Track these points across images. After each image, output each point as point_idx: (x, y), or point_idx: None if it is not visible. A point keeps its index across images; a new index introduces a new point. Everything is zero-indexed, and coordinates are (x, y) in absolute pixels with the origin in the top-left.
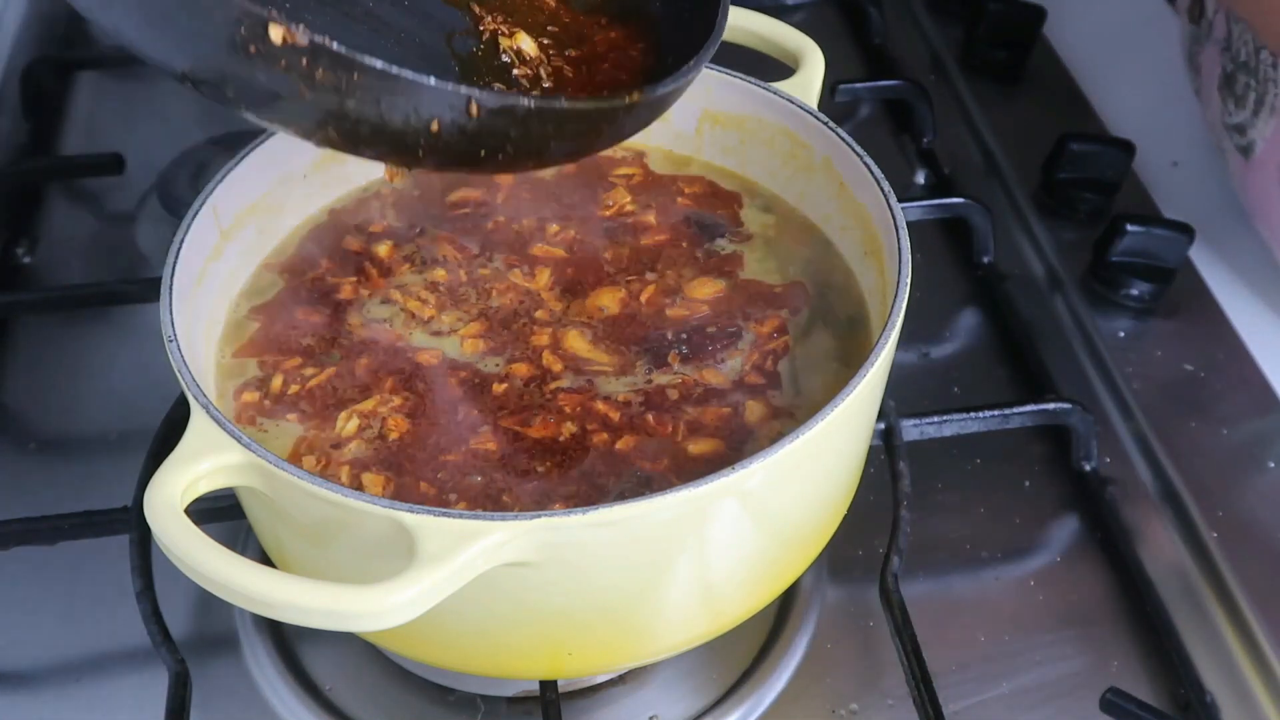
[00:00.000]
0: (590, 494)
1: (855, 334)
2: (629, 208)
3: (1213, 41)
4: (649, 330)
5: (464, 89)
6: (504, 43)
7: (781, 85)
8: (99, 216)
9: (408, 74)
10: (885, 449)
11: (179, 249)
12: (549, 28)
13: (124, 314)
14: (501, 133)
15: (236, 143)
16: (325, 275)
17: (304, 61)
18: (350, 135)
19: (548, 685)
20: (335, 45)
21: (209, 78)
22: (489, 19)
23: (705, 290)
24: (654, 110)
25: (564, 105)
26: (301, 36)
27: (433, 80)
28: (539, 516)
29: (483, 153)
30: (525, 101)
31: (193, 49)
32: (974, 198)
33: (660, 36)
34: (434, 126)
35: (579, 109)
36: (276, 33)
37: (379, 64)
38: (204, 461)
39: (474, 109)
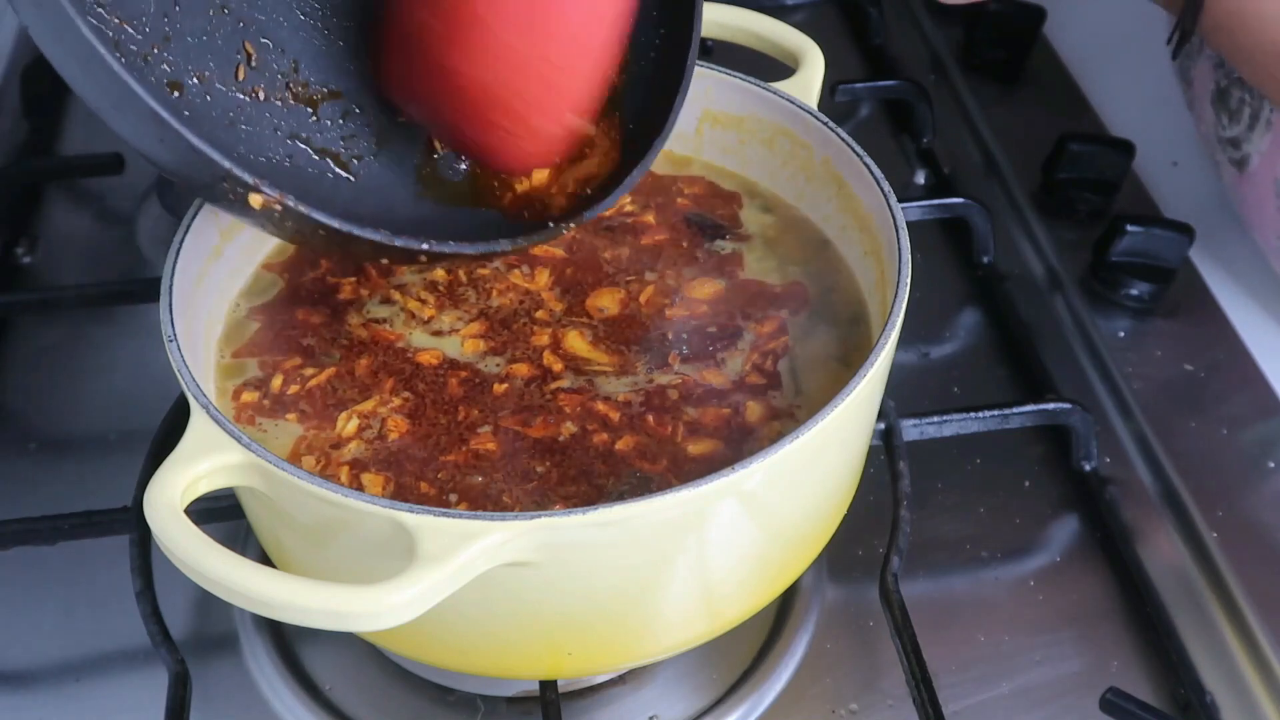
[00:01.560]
0: (590, 494)
1: (855, 334)
2: (629, 208)
3: (1205, 57)
4: (649, 330)
5: (418, 244)
6: None
7: (781, 85)
8: (99, 216)
9: (369, 233)
10: (885, 449)
11: (179, 249)
12: None
13: (124, 314)
14: (455, 259)
15: None
16: (325, 275)
17: (276, 215)
18: (318, 250)
19: (548, 685)
20: (306, 209)
21: (192, 191)
22: None
23: (705, 290)
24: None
25: (505, 248)
26: (275, 203)
27: (395, 240)
28: (539, 516)
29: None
30: (468, 250)
31: (183, 174)
32: (974, 198)
33: (625, 108)
34: (386, 260)
35: (521, 248)
36: (256, 200)
37: (340, 225)
38: (204, 461)
39: (423, 258)
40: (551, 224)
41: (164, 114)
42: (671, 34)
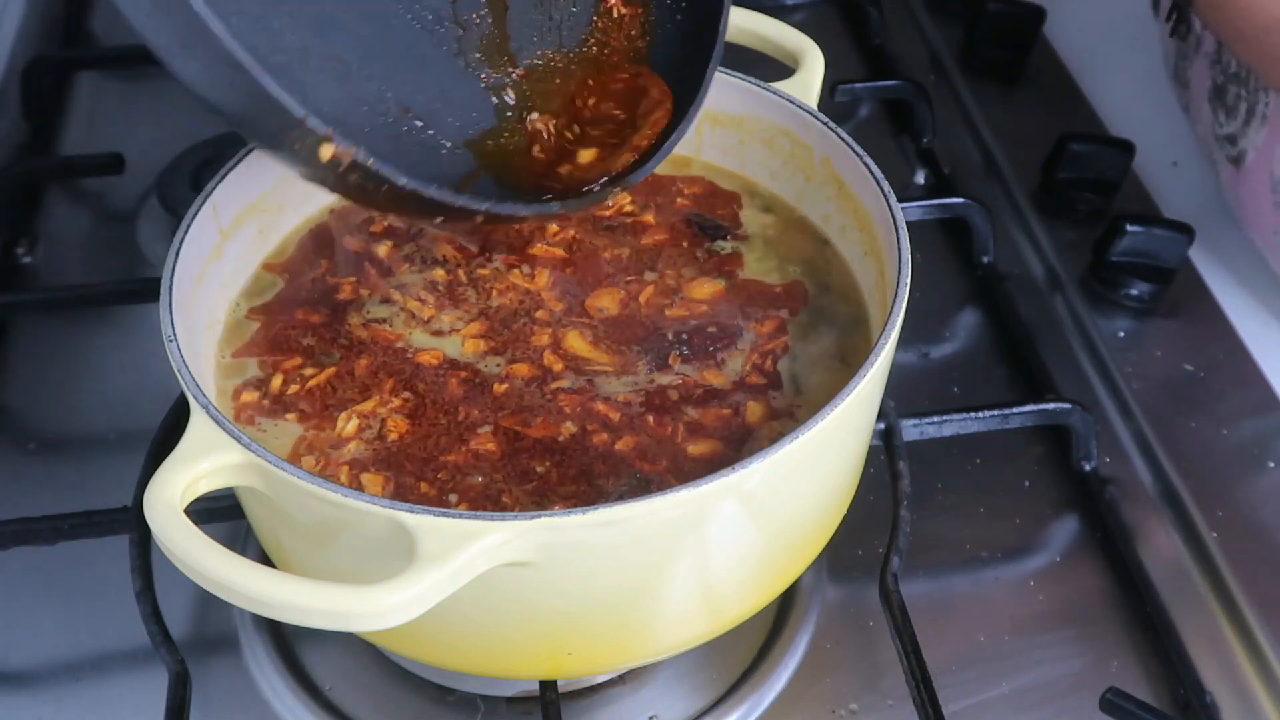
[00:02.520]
0: (590, 494)
1: (855, 334)
2: (629, 208)
3: (1201, 55)
4: (649, 330)
5: (479, 205)
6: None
7: (781, 85)
8: (99, 216)
9: (434, 192)
10: (885, 449)
11: (179, 249)
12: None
13: (124, 314)
14: (506, 219)
15: (236, 142)
16: (325, 275)
17: (341, 168)
18: (369, 205)
19: (548, 685)
20: (376, 165)
21: (252, 138)
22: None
23: (705, 290)
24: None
25: (556, 209)
26: (345, 155)
27: (457, 200)
28: (539, 517)
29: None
30: (524, 211)
31: (248, 121)
32: (974, 198)
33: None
34: (439, 219)
35: (571, 209)
36: (326, 152)
37: (408, 182)
38: (204, 461)
39: (479, 219)
40: (599, 187)
41: (241, 57)
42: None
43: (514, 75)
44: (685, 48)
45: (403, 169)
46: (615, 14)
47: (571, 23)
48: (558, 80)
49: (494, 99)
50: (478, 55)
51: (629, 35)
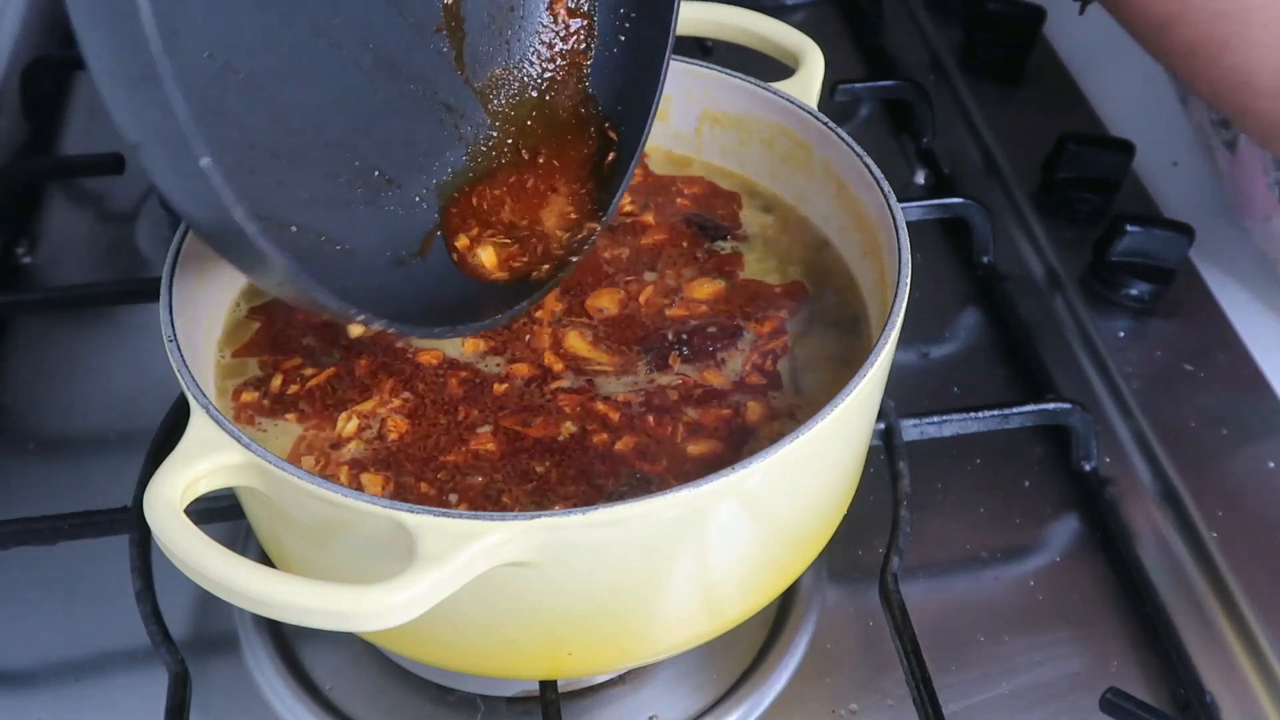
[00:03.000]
0: (590, 494)
1: (855, 334)
2: (629, 208)
3: None
4: (649, 330)
5: (459, 328)
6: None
7: (781, 85)
8: (99, 216)
9: (433, 332)
10: (885, 449)
11: (179, 249)
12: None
13: (124, 314)
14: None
15: None
16: None
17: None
18: None
19: (548, 685)
20: (398, 327)
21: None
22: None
23: (705, 290)
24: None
25: (512, 315)
26: (373, 327)
27: (445, 331)
28: (539, 516)
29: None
30: (499, 318)
31: (284, 292)
32: (974, 198)
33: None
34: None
35: (518, 313)
36: (356, 330)
37: (410, 330)
38: (204, 461)
39: (465, 342)
40: (525, 303)
41: (303, 277)
42: (643, 22)
43: (472, 98)
44: (629, 78)
45: (374, 233)
46: (559, 20)
47: (519, 42)
48: (506, 99)
49: (456, 132)
50: (436, 90)
51: (575, 49)
